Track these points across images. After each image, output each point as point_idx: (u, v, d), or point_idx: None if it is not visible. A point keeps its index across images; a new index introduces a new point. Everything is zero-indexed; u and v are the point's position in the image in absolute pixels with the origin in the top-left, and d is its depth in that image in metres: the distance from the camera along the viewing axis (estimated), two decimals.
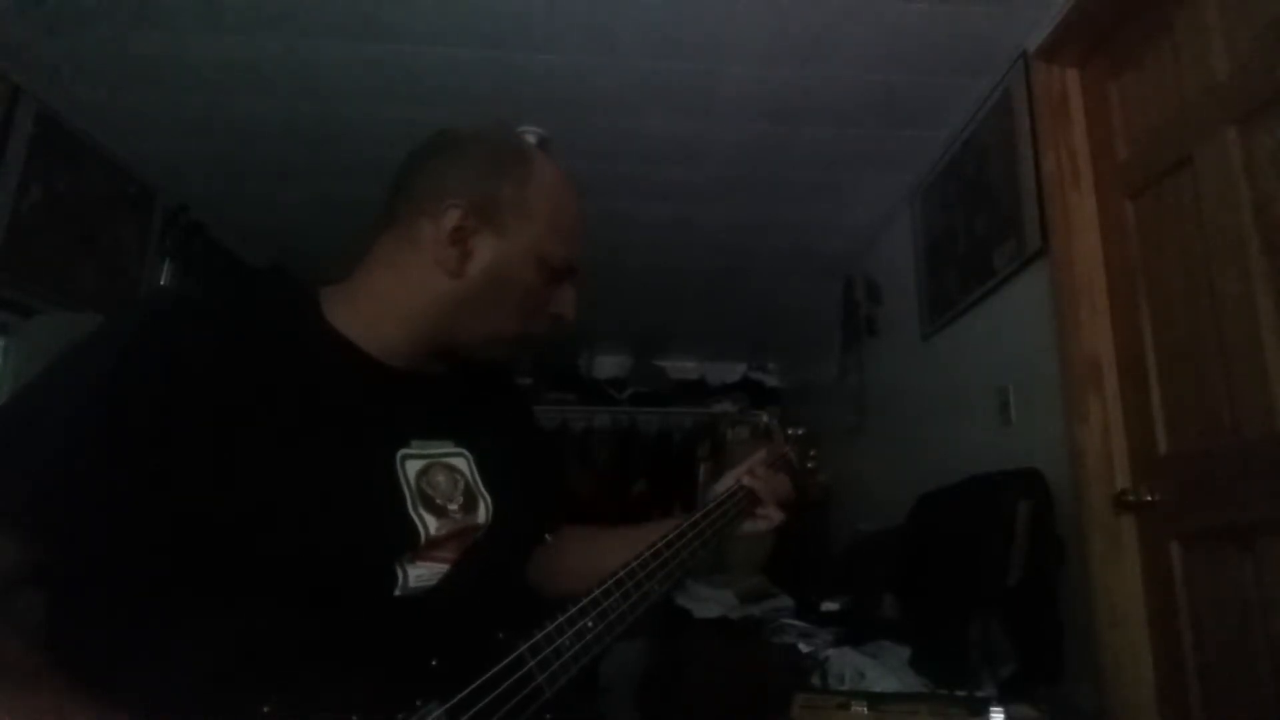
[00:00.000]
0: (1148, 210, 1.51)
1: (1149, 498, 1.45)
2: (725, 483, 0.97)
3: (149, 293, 2.53)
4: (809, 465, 1.11)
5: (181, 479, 0.61)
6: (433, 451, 0.76)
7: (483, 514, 0.78)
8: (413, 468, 0.73)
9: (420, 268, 0.76)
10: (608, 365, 4.56)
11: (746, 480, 0.96)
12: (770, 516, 0.97)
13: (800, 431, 1.12)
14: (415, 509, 0.71)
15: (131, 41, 1.86)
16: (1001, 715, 1.24)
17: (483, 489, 0.79)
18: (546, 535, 0.95)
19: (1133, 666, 1.45)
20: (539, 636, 0.66)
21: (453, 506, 0.75)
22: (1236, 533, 1.26)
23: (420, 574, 0.70)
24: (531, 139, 2.32)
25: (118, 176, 2.39)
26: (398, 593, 0.68)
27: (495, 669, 0.63)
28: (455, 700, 0.60)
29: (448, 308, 0.76)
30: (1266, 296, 1.21)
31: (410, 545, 0.70)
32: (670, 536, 0.82)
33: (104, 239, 2.36)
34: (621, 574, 0.75)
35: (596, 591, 0.72)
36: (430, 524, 0.72)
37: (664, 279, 3.44)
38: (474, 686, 0.61)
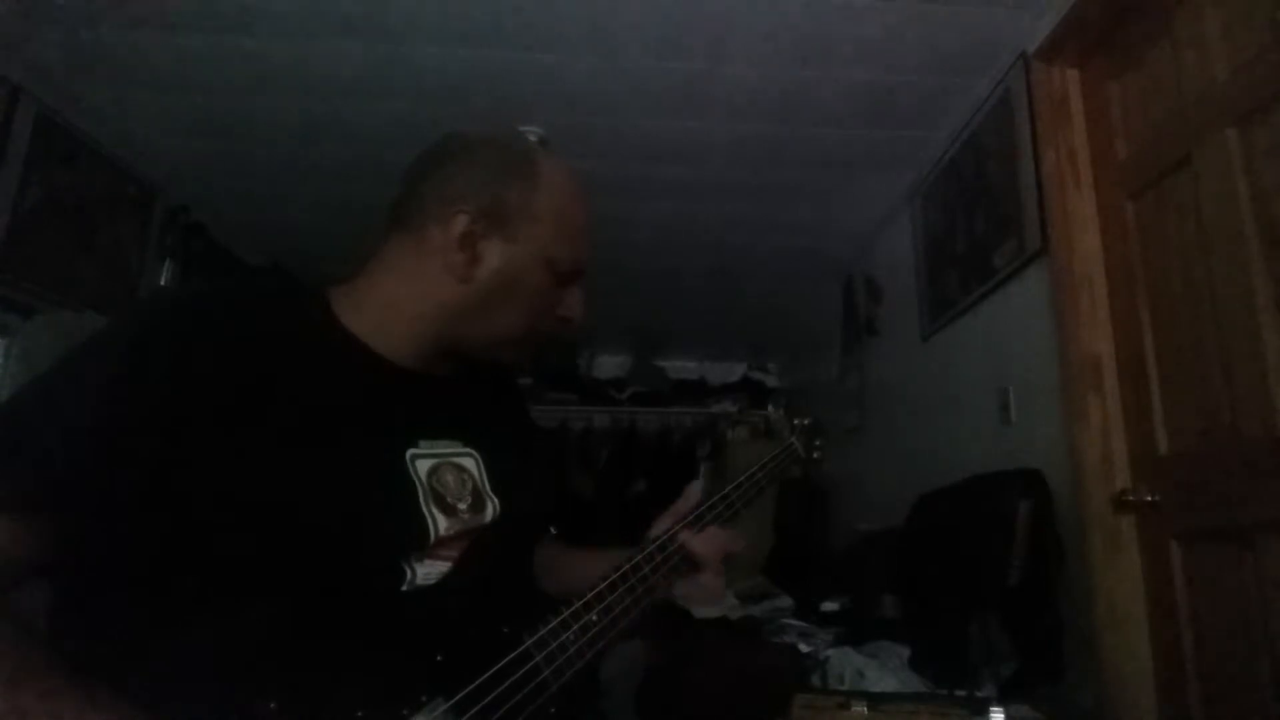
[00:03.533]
0: (1148, 210, 1.51)
1: (1149, 498, 1.45)
2: (661, 526, 0.86)
3: (155, 291, 2.53)
4: (815, 455, 1.12)
5: (190, 475, 0.61)
6: (441, 451, 0.76)
7: (490, 515, 0.78)
8: (423, 466, 0.73)
9: (428, 273, 0.76)
10: (608, 365, 4.56)
11: (683, 538, 0.84)
12: (708, 586, 0.85)
13: (807, 421, 1.12)
14: (427, 505, 0.71)
15: (131, 41, 1.86)
16: (1001, 715, 1.24)
17: (490, 492, 0.78)
18: (551, 528, 0.96)
19: (1133, 666, 1.45)
20: (544, 631, 0.67)
21: (462, 506, 0.74)
22: (1236, 533, 1.26)
23: (427, 571, 0.70)
24: (531, 139, 2.33)
25: (118, 176, 2.39)
26: (405, 589, 0.68)
27: (501, 664, 0.63)
28: (461, 695, 0.60)
29: (455, 312, 0.76)
30: (1266, 296, 1.21)
31: (421, 542, 0.69)
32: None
33: (104, 239, 2.36)
34: (627, 568, 0.76)
35: (601, 585, 0.73)
36: (441, 522, 0.71)
37: (664, 279, 3.44)
38: (479, 682, 0.61)
